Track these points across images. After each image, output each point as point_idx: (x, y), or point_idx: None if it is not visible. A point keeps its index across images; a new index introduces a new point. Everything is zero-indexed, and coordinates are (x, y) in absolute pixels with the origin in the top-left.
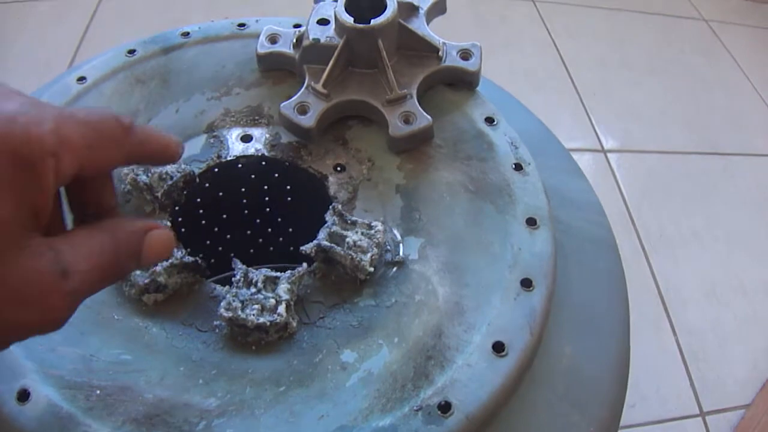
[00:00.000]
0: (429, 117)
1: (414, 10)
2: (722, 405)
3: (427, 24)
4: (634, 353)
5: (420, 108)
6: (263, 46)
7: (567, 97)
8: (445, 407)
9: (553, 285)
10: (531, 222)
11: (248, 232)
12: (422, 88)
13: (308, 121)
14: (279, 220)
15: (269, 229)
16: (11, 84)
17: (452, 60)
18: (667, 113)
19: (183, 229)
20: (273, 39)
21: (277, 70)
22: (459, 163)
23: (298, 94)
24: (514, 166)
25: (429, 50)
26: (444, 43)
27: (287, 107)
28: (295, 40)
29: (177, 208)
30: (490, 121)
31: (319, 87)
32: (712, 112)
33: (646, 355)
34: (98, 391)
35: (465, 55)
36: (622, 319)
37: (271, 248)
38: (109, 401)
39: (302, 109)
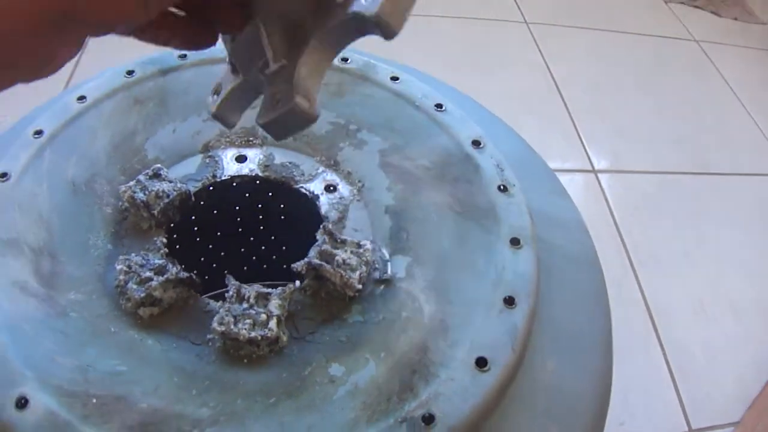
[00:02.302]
0: (296, 97)
1: None
2: (711, 422)
3: None
4: (623, 371)
5: (301, 83)
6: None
7: (558, 117)
8: (428, 419)
9: (536, 303)
10: (515, 242)
11: (242, 249)
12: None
13: (214, 102)
14: (272, 238)
15: (262, 247)
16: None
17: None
18: (658, 133)
19: (178, 246)
20: (216, 90)
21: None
22: (446, 184)
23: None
24: (499, 187)
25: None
26: None
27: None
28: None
29: (173, 225)
30: (476, 144)
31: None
32: (703, 132)
33: (635, 372)
34: (95, 400)
35: None
36: (604, 335)
37: (265, 265)
38: (105, 410)
39: (216, 90)
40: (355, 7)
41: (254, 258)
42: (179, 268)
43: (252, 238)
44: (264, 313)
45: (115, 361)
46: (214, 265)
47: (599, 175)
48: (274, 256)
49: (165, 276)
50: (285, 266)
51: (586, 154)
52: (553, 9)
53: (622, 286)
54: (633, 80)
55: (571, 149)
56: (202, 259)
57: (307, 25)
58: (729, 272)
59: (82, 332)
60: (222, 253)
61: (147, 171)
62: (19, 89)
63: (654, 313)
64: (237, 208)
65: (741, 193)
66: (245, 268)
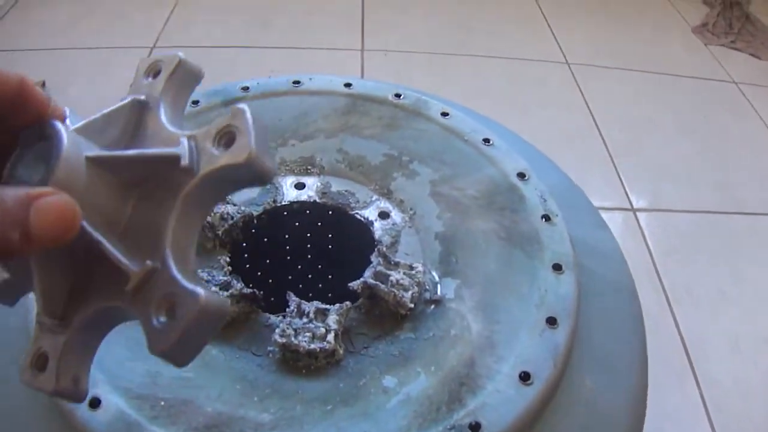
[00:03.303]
0: (198, 291)
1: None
2: None
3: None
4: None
5: (181, 280)
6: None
7: (598, 156)
8: (475, 427)
9: (576, 324)
10: (557, 267)
11: (299, 268)
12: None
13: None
14: (327, 260)
15: (318, 267)
16: None
17: (209, 160)
18: (696, 173)
19: (241, 265)
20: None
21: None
22: (493, 213)
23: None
24: (543, 217)
25: (169, 166)
26: (188, 138)
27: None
28: None
29: (236, 246)
30: (522, 176)
31: (44, 318)
32: (741, 173)
33: (670, 406)
34: (162, 403)
35: (226, 138)
36: (640, 357)
37: (320, 285)
38: (172, 411)
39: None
40: (222, 161)
41: (310, 277)
42: (242, 284)
43: (309, 258)
44: (323, 327)
45: (182, 368)
46: (272, 284)
47: (638, 213)
48: (329, 276)
49: (230, 291)
50: (339, 288)
51: (625, 192)
52: (594, 50)
53: (659, 323)
54: (672, 121)
55: (611, 188)
56: (261, 275)
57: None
58: (765, 310)
59: None
60: (280, 273)
61: None
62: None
63: (690, 349)
64: (295, 231)
65: None
66: (300, 286)
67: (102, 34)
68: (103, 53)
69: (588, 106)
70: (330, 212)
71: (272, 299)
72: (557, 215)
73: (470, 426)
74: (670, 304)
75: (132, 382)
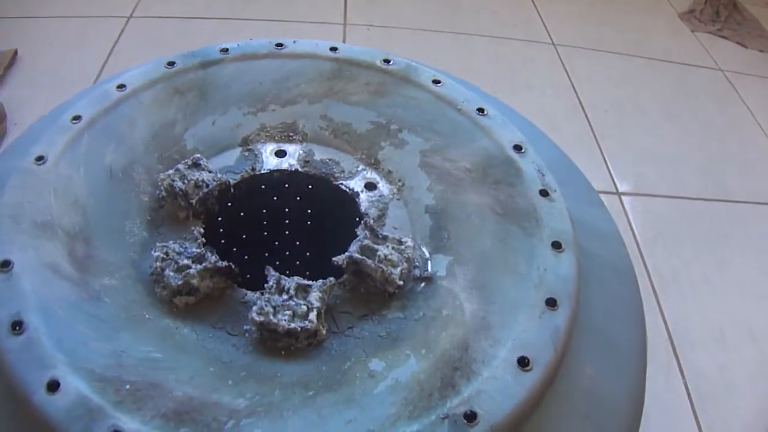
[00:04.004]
0: None
1: None
2: None
3: None
4: None
5: None
6: None
7: (583, 138)
8: (470, 416)
9: (577, 306)
10: (556, 245)
11: (277, 243)
12: None
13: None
14: (308, 233)
15: (298, 242)
16: (38, 97)
17: None
18: (682, 159)
19: (215, 236)
20: None
21: None
22: (487, 187)
23: None
24: (541, 192)
25: None
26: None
27: None
28: None
29: (211, 216)
30: (518, 148)
31: None
32: (726, 160)
33: (654, 396)
34: (128, 386)
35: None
36: (640, 345)
37: (301, 261)
38: (138, 396)
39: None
40: None
41: (288, 253)
42: (217, 257)
43: (288, 233)
44: (304, 304)
45: (149, 348)
46: (248, 258)
47: (623, 197)
48: (308, 253)
49: (203, 264)
50: (319, 263)
51: (611, 175)
52: (580, 32)
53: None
54: (658, 105)
55: (596, 170)
56: (237, 250)
57: None
58: (749, 300)
59: (116, 318)
60: (257, 247)
61: (186, 160)
62: (47, 85)
63: (674, 338)
64: (275, 202)
65: (762, 222)
66: (277, 263)
67: (79, 2)
68: (80, 22)
69: (574, 88)
70: (313, 182)
71: (249, 275)
72: (555, 191)
73: (465, 415)
74: (655, 292)
75: (95, 364)
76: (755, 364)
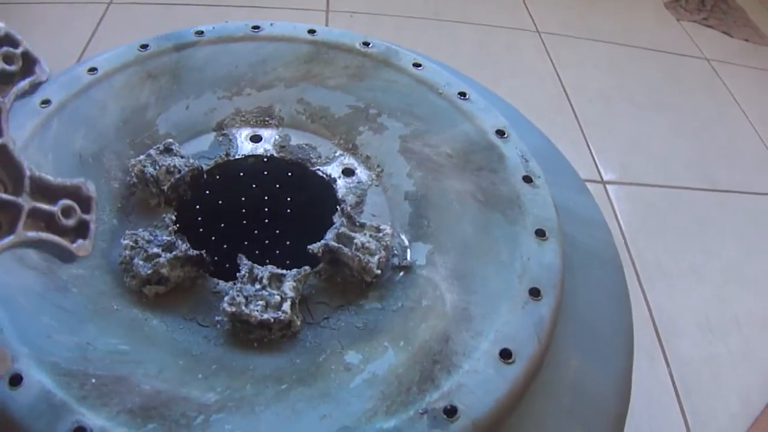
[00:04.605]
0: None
1: None
2: None
3: None
4: None
5: None
6: None
7: (568, 127)
8: (450, 411)
9: (561, 296)
10: (540, 233)
11: (254, 232)
12: None
13: None
14: (285, 221)
15: (275, 231)
16: None
17: None
18: (667, 148)
19: (187, 225)
20: None
21: None
22: (469, 173)
23: None
24: (524, 178)
25: None
26: None
27: None
28: None
29: (183, 203)
30: (501, 133)
31: None
32: (712, 149)
33: (639, 385)
34: (94, 380)
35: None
36: (627, 336)
37: (277, 251)
38: (104, 390)
39: None
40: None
41: (266, 242)
42: (188, 245)
43: (265, 221)
44: (278, 294)
45: (116, 340)
46: (223, 248)
47: (608, 186)
48: (287, 242)
49: (173, 253)
50: (297, 252)
51: (595, 164)
52: (565, 20)
53: None
54: (643, 94)
55: (580, 159)
56: (212, 239)
57: None
58: (734, 288)
59: (83, 309)
60: (232, 235)
61: (158, 145)
62: None
63: (659, 325)
64: (250, 189)
65: (747, 211)
66: (256, 252)
67: None
68: (61, 8)
69: (558, 76)
70: (289, 168)
71: (226, 265)
72: (539, 177)
73: (445, 410)
74: (639, 281)
75: (59, 357)
76: (741, 353)
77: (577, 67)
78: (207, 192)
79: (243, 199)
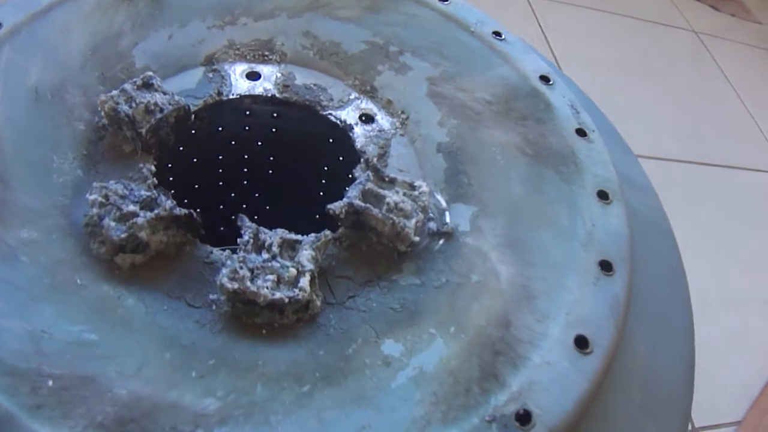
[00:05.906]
0: None
1: None
2: (714, 421)
3: None
4: None
5: None
6: None
7: None
8: (524, 418)
9: (632, 271)
10: (603, 195)
11: (249, 186)
12: None
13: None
14: (288, 176)
15: (279, 189)
16: None
17: None
18: (656, 118)
19: (172, 178)
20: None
21: None
22: (512, 122)
23: None
24: (577, 131)
25: None
26: None
27: None
28: None
29: (166, 150)
30: (545, 79)
31: None
32: (700, 122)
33: None
34: (51, 382)
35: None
36: (688, 318)
37: (274, 212)
38: (65, 397)
39: None
40: None
41: (263, 202)
42: (173, 203)
43: (262, 176)
44: (292, 266)
45: (81, 326)
46: (214, 207)
47: None
48: (288, 201)
49: (155, 211)
50: (303, 215)
51: None
52: None
53: None
54: (632, 63)
55: None
56: (199, 197)
57: None
58: (729, 267)
59: (36, 284)
60: (224, 193)
61: (135, 79)
62: None
63: None
64: (247, 136)
65: (739, 186)
66: (255, 217)
67: None
68: None
69: (548, 41)
70: (294, 111)
71: (221, 228)
72: (594, 131)
73: (517, 416)
74: None
75: (4, 350)
76: (739, 333)
77: (566, 32)
78: (195, 137)
79: (238, 147)
